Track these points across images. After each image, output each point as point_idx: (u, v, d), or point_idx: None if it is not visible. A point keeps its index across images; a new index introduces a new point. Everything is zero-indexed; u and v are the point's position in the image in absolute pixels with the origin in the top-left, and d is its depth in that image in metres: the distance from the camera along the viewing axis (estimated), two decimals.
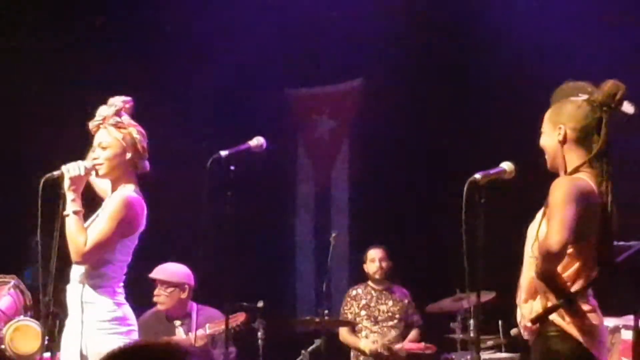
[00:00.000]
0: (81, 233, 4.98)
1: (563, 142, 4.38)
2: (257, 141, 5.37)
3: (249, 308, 7.98)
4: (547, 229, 4.17)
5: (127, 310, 5.07)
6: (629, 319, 6.03)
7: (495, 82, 9.33)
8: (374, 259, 8.85)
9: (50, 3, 10.18)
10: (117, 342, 4.88)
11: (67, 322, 5.07)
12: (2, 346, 6.37)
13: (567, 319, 4.20)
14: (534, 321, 4.14)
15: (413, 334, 8.69)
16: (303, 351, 8.17)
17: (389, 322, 8.69)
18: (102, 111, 5.22)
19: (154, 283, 7.57)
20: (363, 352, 8.59)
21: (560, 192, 4.17)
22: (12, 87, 9.61)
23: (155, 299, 7.54)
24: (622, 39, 8.45)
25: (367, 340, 8.56)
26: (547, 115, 4.52)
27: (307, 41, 10.21)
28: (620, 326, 6.32)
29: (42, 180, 5.01)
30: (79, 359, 4.92)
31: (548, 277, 4.18)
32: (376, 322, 8.69)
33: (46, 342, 5.14)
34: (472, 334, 7.74)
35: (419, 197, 9.70)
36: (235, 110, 9.98)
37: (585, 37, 8.57)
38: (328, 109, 11.23)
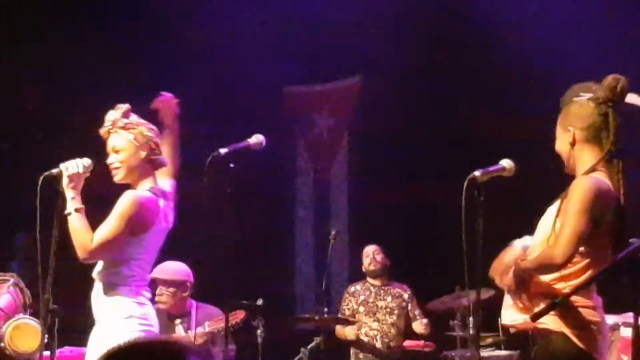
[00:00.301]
0: (86, 230, 4.99)
1: (573, 143, 4.39)
2: (257, 139, 5.36)
3: (248, 306, 7.98)
4: (557, 236, 4.21)
5: (147, 310, 5.06)
6: (629, 317, 6.03)
7: (494, 80, 9.34)
8: (368, 254, 8.91)
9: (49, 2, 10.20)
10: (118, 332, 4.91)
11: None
12: (2, 344, 6.36)
13: (564, 319, 4.21)
14: (533, 318, 4.13)
15: (420, 325, 8.68)
16: (302, 349, 8.17)
17: (387, 318, 8.69)
18: (110, 116, 5.24)
19: (154, 282, 7.57)
20: (358, 345, 8.62)
21: (578, 196, 4.19)
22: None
23: (157, 298, 7.51)
24: (623, 34, 8.46)
25: (350, 327, 8.56)
26: (558, 120, 4.52)
27: (306, 39, 10.20)
28: (620, 323, 6.31)
29: (41, 178, 5.01)
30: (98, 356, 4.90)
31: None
32: (375, 319, 8.69)
33: (45, 340, 5.13)
34: (471, 332, 7.74)
35: (418, 194, 9.69)
36: (234, 108, 9.99)
37: (589, 33, 8.58)
38: (327, 107, 11.24)
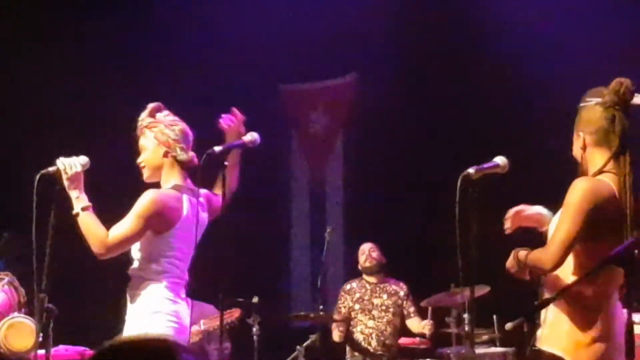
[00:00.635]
0: (98, 225, 5.00)
1: (584, 148, 4.40)
2: (251, 137, 5.35)
3: (243, 304, 7.98)
4: (549, 240, 4.26)
5: (177, 308, 5.09)
6: None
7: (491, 77, 9.35)
8: (364, 251, 8.92)
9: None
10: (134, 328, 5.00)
11: None
12: None
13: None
14: (527, 318, 4.14)
15: (414, 322, 8.67)
16: (298, 347, 8.16)
17: (383, 316, 8.70)
18: (140, 116, 5.32)
19: None
20: (353, 344, 8.63)
21: (571, 199, 4.22)
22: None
23: None
24: (621, 35, 8.47)
25: (336, 330, 8.56)
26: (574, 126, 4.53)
27: (301, 37, 10.19)
28: None
29: (38, 176, 5.01)
30: None
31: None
32: (371, 316, 8.70)
33: (40, 339, 5.13)
34: (467, 329, 7.75)
35: (413, 192, 9.70)
36: (229, 106, 9.96)
37: (583, 33, 8.60)
38: (322, 105, 11.24)
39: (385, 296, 8.80)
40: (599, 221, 4.18)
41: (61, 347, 6.73)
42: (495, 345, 8.17)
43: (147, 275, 5.11)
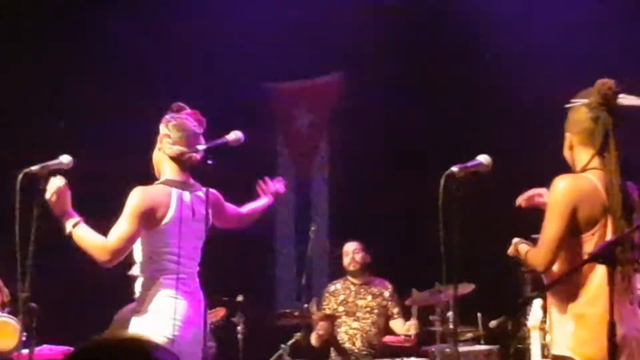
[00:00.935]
0: (94, 235, 5.06)
1: (571, 148, 4.50)
2: (235, 135, 5.34)
3: (228, 302, 7.98)
4: (539, 240, 4.37)
5: (177, 304, 5.09)
6: None
7: (474, 76, 9.36)
8: (348, 252, 8.86)
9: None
10: (156, 334, 4.95)
11: None
12: None
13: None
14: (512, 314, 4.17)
15: (398, 324, 8.67)
16: (282, 345, 8.15)
17: (367, 317, 8.68)
18: None
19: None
20: (337, 344, 8.63)
21: (553, 198, 4.35)
22: None
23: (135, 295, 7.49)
24: (603, 37, 8.49)
25: (314, 333, 8.54)
26: None
27: (286, 35, 10.19)
28: None
29: (21, 175, 5.00)
30: None
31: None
32: (355, 318, 8.69)
33: (24, 339, 5.12)
34: (451, 327, 7.75)
35: (398, 190, 9.70)
36: (214, 104, 9.95)
37: (565, 33, 8.62)
38: (307, 103, 11.24)
39: (369, 297, 8.77)
40: (580, 216, 4.27)
41: (45, 346, 6.72)
42: (479, 343, 8.17)
43: (146, 274, 5.16)
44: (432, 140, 9.53)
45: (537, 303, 6.15)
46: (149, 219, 5.09)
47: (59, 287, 8.52)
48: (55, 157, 5.22)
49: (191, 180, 5.35)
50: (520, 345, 7.40)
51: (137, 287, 5.17)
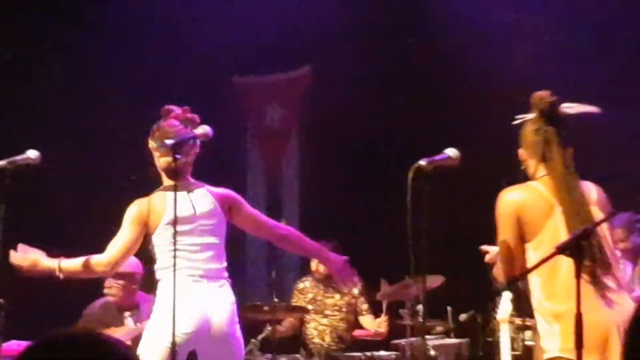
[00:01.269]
0: (81, 260, 5.38)
1: (525, 161, 4.68)
2: (203, 130, 5.35)
3: None
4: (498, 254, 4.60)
5: (162, 297, 5.35)
6: None
7: (442, 70, 9.39)
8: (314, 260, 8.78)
9: None
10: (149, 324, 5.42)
11: None
12: None
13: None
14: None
15: (367, 320, 8.66)
16: (252, 340, 8.13)
17: (336, 315, 8.67)
18: None
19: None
20: (307, 338, 8.63)
21: (497, 213, 4.57)
22: None
23: (106, 291, 7.45)
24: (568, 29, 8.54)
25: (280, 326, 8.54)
26: None
27: (255, 29, 10.17)
28: None
29: None
30: None
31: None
32: (324, 315, 8.68)
33: None
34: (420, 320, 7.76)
35: (368, 183, 9.71)
36: (183, 99, 9.92)
37: (530, 23, 8.65)
38: (277, 97, 11.22)
39: (338, 296, 8.72)
40: (525, 223, 4.47)
41: (13, 342, 6.68)
42: (449, 337, 8.20)
43: (159, 276, 5.49)
44: (403, 133, 9.54)
45: (507, 296, 6.17)
46: (146, 224, 5.38)
47: (27, 283, 8.48)
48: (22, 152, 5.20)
49: (190, 180, 5.53)
50: (489, 339, 7.43)
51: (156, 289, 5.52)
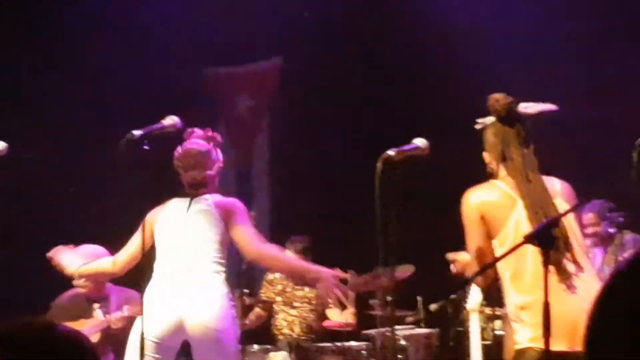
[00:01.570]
0: (95, 265, 6.23)
1: (489, 163, 4.71)
2: (171, 120, 5.35)
3: None
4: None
5: (147, 296, 5.60)
6: None
7: (412, 61, 9.40)
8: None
9: None
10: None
11: None
12: None
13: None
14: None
15: (334, 312, 8.67)
16: None
17: (305, 306, 8.67)
18: None
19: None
20: (277, 329, 8.63)
21: (462, 213, 4.62)
22: None
23: (75, 282, 7.43)
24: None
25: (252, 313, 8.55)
26: None
27: (226, 20, 10.15)
28: None
29: None
30: None
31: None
32: (293, 307, 8.67)
33: None
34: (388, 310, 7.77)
35: (338, 174, 9.72)
36: (153, 89, 9.90)
37: (501, 15, 8.68)
38: (247, 88, 11.20)
39: (307, 288, 8.72)
40: (488, 221, 4.53)
41: None
42: (419, 327, 8.21)
43: None
44: (373, 123, 9.55)
45: (476, 286, 6.19)
46: (151, 230, 5.81)
47: None
48: None
49: (200, 190, 5.92)
50: (459, 329, 7.45)
51: None
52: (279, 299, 8.69)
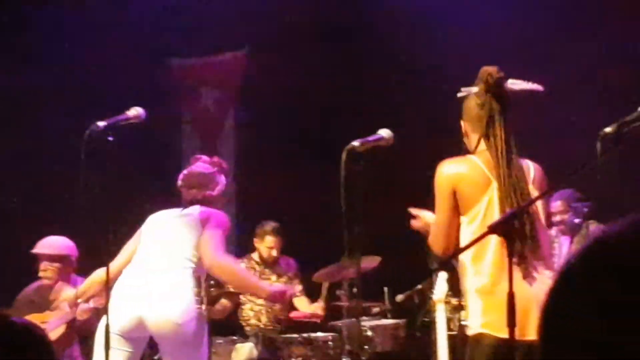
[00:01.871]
0: (89, 279, 6.44)
1: (466, 134, 4.69)
2: (136, 111, 5.34)
3: None
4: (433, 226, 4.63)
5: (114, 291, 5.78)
6: None
7: (380, 51, 9.42)
8: (272, 246, 8.74)
9: None
10: None
11: None
12: None
13: None
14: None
15: (302, 302, 8.68)
16: None
17: None
18: None
19: (37, 258, 7.44)
20: (244, 319, 8.62)
21: (435, 184, 4.59)
22: None
23: (41, 274, 7.40)
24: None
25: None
26: None
27: (191, 11, 10.12)
28: None
29: None
30: None
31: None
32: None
33: None
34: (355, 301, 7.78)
35: (305, 165, 9.71)
36: (117, 80, 9.85)
37: (475, 5, 8.72)
38: (213, 80, 11.17)
39: (274, 278, 8.70)
40: (460, 196, 4.50)
41: None
42: (386, 318, 8.22)
43: None
44: (339, 115, 9.55)
45: (443, 276, 6.20)
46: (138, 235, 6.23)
47: None
48: None
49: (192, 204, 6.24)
50: (426, 319, 7.47)
51: None
52: None
